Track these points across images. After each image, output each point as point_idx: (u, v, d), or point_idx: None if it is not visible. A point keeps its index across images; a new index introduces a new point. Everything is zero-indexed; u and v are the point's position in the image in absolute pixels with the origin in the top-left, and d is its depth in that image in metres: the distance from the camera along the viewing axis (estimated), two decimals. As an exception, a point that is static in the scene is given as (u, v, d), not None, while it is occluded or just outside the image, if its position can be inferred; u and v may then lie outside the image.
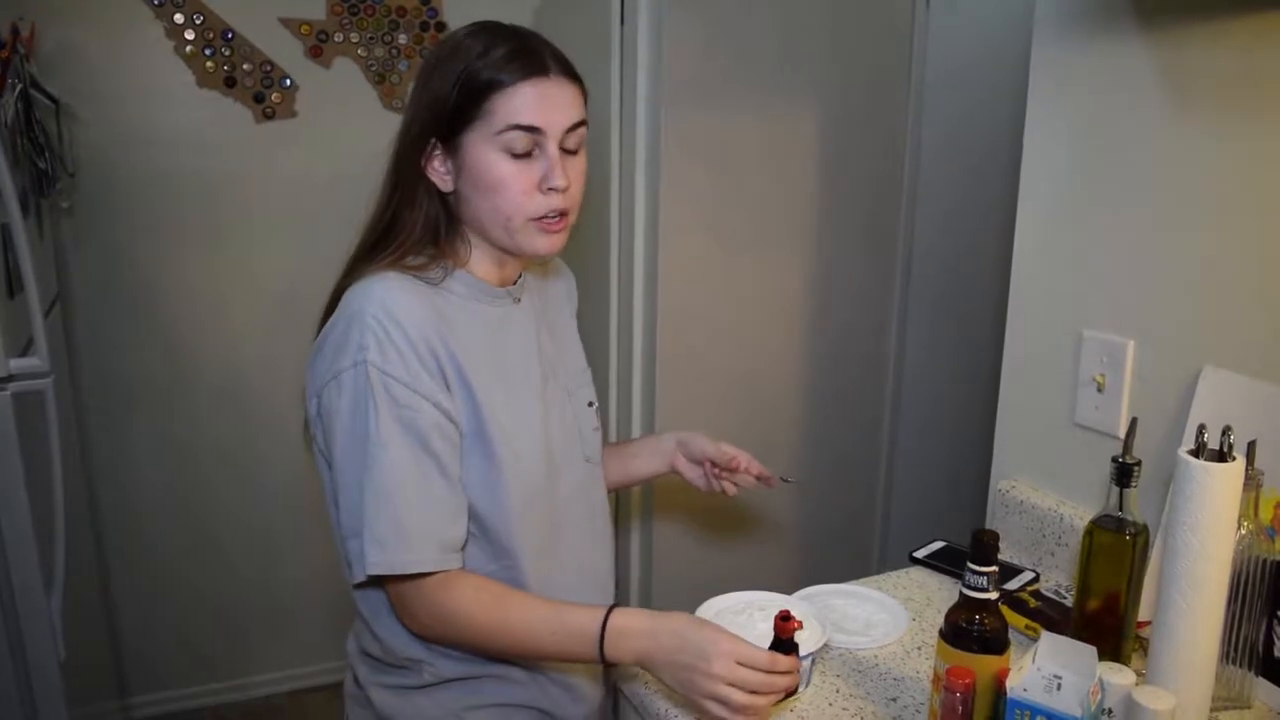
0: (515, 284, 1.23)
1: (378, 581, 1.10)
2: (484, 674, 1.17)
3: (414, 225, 1.13)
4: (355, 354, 1.05)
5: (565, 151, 1.12)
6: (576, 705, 1.24)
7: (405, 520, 1.05)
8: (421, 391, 1.06)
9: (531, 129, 1.08)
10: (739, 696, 0.99)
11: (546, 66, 1.09)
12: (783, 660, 1.02)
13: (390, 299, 1.07)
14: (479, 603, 1.09)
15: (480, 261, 1.18)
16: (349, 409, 1.06)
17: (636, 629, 1.05)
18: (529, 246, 1.14)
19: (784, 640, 1.03)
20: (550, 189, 1.10)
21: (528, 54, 1.09)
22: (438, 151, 1.12)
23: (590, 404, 1.32)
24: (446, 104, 1.09)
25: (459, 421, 1.11)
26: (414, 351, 1.06)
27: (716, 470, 1.41)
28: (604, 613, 1.06)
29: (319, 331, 1.14)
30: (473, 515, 1.13)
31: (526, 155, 1.09)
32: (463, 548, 1.12)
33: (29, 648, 1.72)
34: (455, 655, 1.16)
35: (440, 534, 1.08)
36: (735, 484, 1.41)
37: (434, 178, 1.13)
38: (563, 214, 1.13)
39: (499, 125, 1.08)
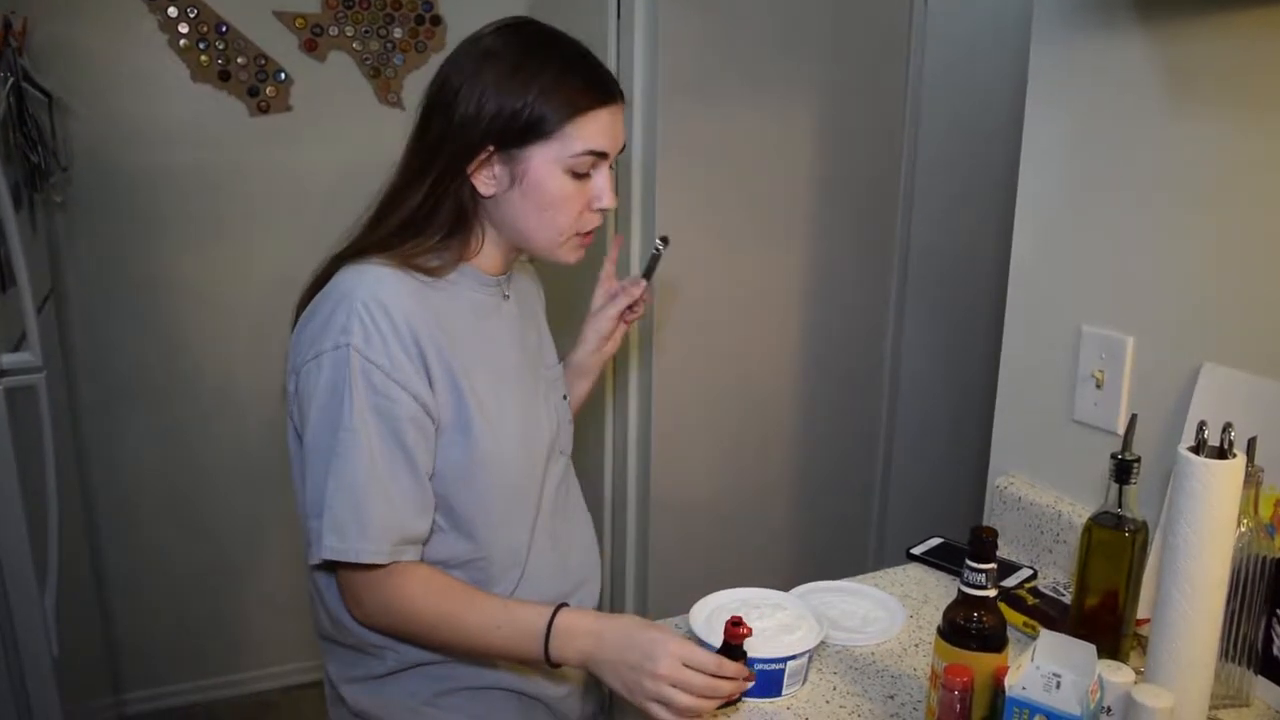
0: (505, 276, 1.24)
1: (330, 565, 1.10)
2: (453, 657, 1.16)
3: (443, 226, 1.14)
4: (339, 336, 1.05)
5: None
6: (557, 685, 1.23)
7: (367, 510, 1.05)
8: (401, 382, 1.06)
9: (602, 154, 1.12)
10: (682, 698, 0.99)
11: (615, 94, 1.13)
12: (729, 665, 1.01)
13: (382, 286, 1.07)
14: (426, 596, 1.09)
15: (488, 256, 1.19)
16: (326, 390, 1.06)
17: (582, 629, 1.05)
18: (564, 258, 1.18)
19: (733, 645, 1.03)
20: (599, 209, 1.15)
21: (602, 81, 1.12)
22: (492, 160, 1.11)
23: (565, 397, 1.34)
24: (518, 118, 1.08)
25: (437, 416, 1.10)
26: (399, 341, 1.06)
27: (627, 316, 1.44)
28: (551, 611, 1.06)
29: (302, 304, 1.15)
30: (448, 508, 1.13)
31: (585, 175, 1.13)
32: (425, 542, 1.12)
33: (22, 644, 1.71)
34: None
35: (400, 527, 1.07)
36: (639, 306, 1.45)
37: (478, 181, 1.12)
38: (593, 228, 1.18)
39: (576, 149, 1.10)
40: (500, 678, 1.19)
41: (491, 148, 1.10)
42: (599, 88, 1.11)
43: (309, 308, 1.12)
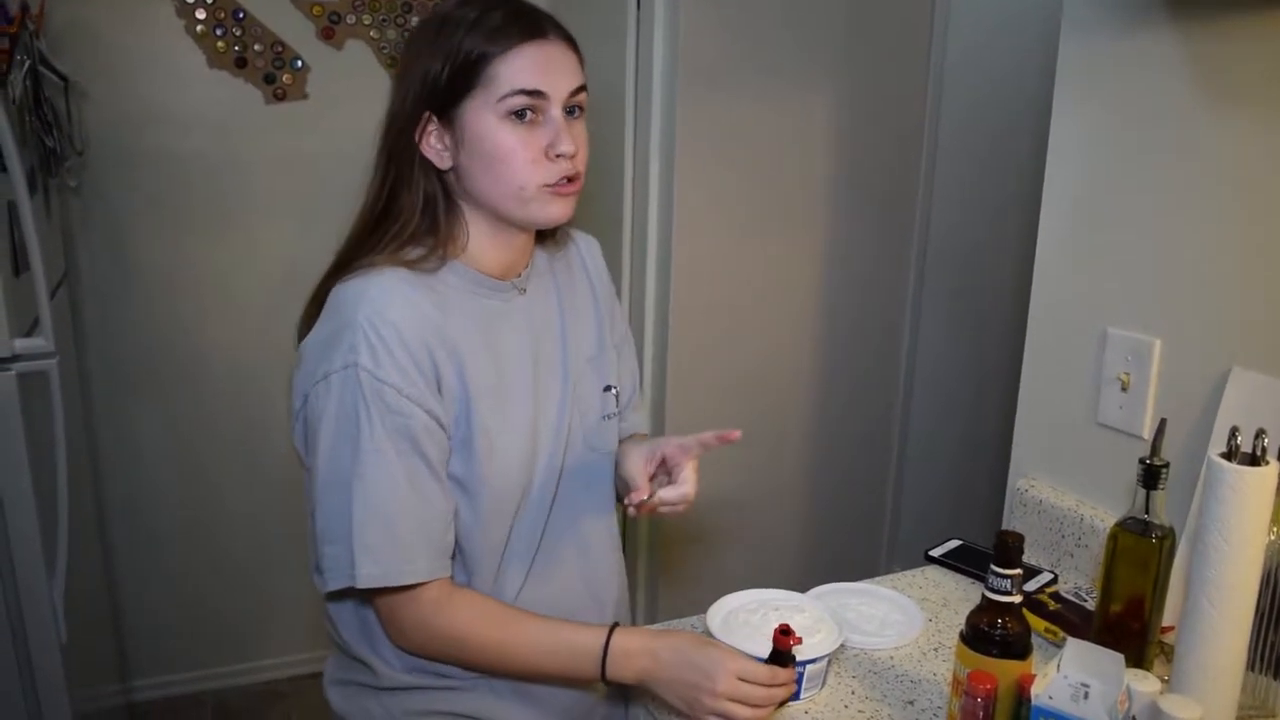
0: (521, 275, 1.18)
1: (361, 594, 1.08)
2: (433, 685, 1.14)
3: (413, 208, 1.09)
4: (346, 356, 1.01)
5: (568, 117, 1.09)
6: (545, 716, 1.19)
7: (398, 528, 1.03)
8: (413, 397, 1.03)
9: (535, 93, 1.05)
10: (743, 712, 1.00)
11: (545, 30, 1.07)
12: (782, 673, 1.03)
13: (385, 300, 1.03)
14: (472, 623, 1.07)
15: (480, 248, 1.13)
16: (336, 413, 1.02)
17: (638, 648, 1.05)
18: (542, 215, 1.10)
19: (783, 652, 1.04)
20: (558, 155, 1.07)
21: (524, 18, 1.06)
22: (433, 127, 1.08)
23: (607, 388, 1.25)
24: (441, 76, 1.05)
25: (448, 427, 1.07)
26: (409, 354, 1.02)
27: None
28: (606, 633, 1.05)
29: (303, 329, 1.11)
30: None
31: (531, 122, 1.06)
32: (452, 555, 1.10)
33: (30, 631, 1.71)
34: (400, 662, 1.13)
35: (433, 541, 1.05)
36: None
37: (430, 155, 1.09)
38: (571, 179, 1.10)
39: (502, 90, 1.04)
40: (481, 706, 1.15)
41: (429, 113, 1.07)
42: (520, 23, 1.06)
43: (312, 331, 1.08)
